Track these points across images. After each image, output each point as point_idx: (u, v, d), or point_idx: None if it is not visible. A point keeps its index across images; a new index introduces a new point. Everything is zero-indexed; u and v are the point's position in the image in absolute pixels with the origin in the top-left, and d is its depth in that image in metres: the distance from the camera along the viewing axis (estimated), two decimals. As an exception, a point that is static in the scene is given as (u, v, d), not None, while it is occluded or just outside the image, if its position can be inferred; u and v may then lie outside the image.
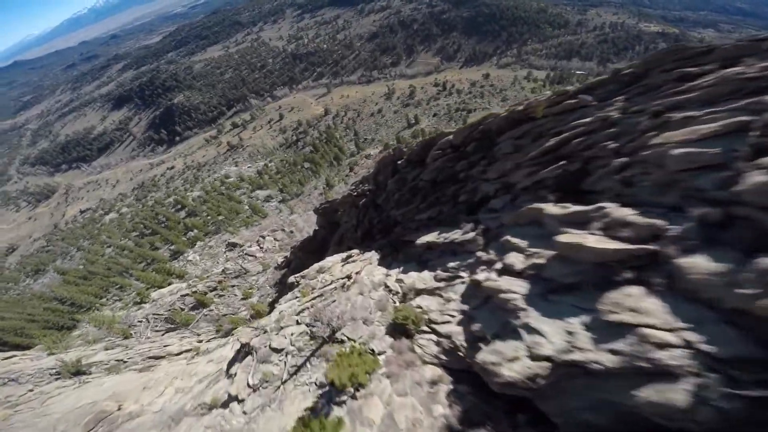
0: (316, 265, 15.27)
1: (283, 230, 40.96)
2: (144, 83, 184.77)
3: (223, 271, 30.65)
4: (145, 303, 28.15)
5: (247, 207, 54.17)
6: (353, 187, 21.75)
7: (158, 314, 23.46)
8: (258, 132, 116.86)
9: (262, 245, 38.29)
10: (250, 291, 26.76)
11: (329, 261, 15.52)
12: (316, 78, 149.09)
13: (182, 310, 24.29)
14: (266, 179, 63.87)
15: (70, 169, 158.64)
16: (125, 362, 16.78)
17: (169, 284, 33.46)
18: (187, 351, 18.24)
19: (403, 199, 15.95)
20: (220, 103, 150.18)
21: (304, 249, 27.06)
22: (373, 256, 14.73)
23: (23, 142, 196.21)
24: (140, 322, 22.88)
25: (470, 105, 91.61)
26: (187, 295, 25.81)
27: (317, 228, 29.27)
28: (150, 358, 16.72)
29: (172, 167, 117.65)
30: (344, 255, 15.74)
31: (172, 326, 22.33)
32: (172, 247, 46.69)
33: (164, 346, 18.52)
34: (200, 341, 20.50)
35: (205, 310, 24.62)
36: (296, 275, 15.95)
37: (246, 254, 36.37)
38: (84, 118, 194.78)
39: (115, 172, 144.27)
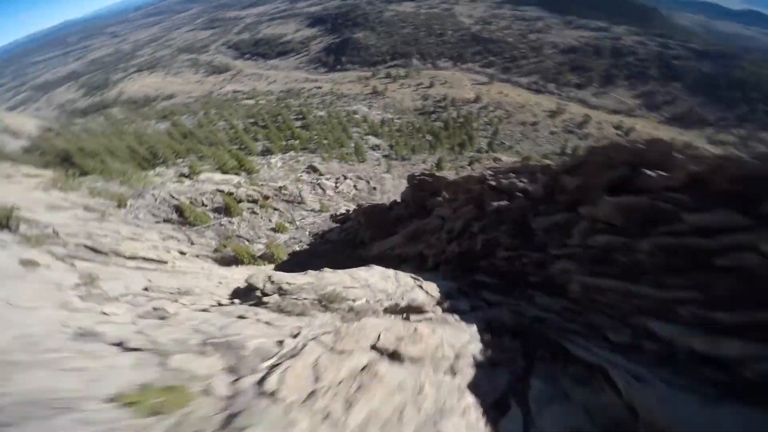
0: (341, 277, 7.42)
1: (368, 182, 33.80)
2: (340, 13, 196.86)
3: (280, 188, 24.98)
4: (188, 179, 24.17)
5: (353, 144, 48.91)
6: (492, 173, 12.09)
7: (175, 198, 18.53)
8: (403, 89, 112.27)
9: (339, 184, 31.83)
10: (285, 226, 20.23)
11: (369, 277, 7.63)
12: (484, 65, 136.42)
13: (203, 205, 19.01)
14: (384, 130, 57.77)
15: (249, 59, 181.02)
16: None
17: (230, 173, 29.60)
18: (151, 260, 11.99)
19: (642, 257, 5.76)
20: (387, 52, 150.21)
21: (369, 216, 18.95)
22: (454, 313, 5.92)
23: (233, 30, 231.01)
24: (152, 196, 18.26)
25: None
26: (222, 192, 20.53)
27: (398, 201, 20.80)
28: (89, 248, 10.73)
29: (320, 87, 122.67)
30: (396, 276, 7.67)
31: (174, 219, 17.04)
32: (268, 144, 44.19)
33: (131, 239, 12.73)
34: (182, 253, 14.40)
35: (225, 218, 18.96)
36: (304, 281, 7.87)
37: (318, 184, 30.35)
38: (285, 25, 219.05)
39: (278, 73, 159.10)
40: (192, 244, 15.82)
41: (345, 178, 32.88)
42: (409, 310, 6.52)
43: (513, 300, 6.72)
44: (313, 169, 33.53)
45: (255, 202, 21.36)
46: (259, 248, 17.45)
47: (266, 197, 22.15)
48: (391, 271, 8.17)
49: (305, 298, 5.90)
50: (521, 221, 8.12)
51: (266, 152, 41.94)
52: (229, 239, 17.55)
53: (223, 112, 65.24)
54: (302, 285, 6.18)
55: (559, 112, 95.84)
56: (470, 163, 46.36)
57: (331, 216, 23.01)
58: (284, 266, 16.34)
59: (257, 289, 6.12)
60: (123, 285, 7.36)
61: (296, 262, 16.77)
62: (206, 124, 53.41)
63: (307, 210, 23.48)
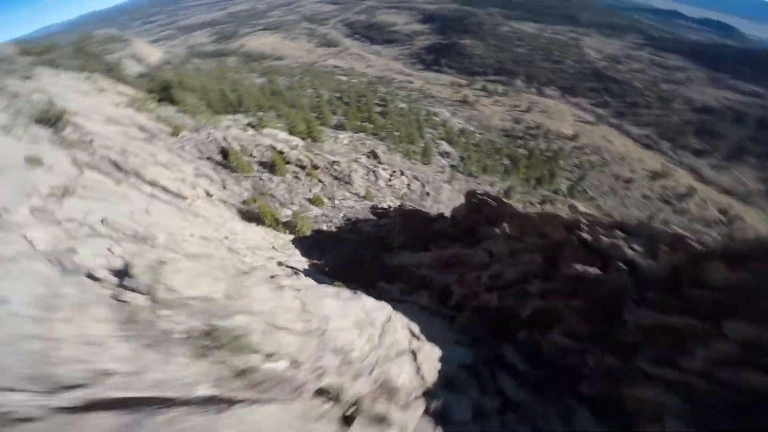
0: (283, 302, 4.62)
1: (423, 185, 31.63)
2: (454, 17, 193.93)
3: (332, 162, 24.09)
4: (253, 129, 24.32)
5: (422, 144, 46.97)
6: (587, 222, 8.81)
7: (227, 141, 18.38)
8: (495, 106, 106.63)
9: (393, 178, 30.20)
10: (323, 200, 19.14)
11: (334, 316, 4.77)
12: (596, 104, 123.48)
13: (251, 156, 18.66)
14: (460, 140, 54.69)
15: (358, 40, 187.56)
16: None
17: (296, 136, 29.61)
18: (170, 191, 11.47)
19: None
20: (491, 65, 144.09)
21: (408, 220, 16.94)
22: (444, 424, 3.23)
23: (354, 9, 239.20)
24: (208, 134, 18.25)
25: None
26: (274, 149, 20.06)
27: (446, 215, 18.46)
28: (113, 162, 10.35)
29: (411, 82, 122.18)
30: (385, 327, 4.90)
31: (218, 160, 16.77)
32: (344, 120, 44.21)
33: (163, 165, 12.37)
34: (209, 194, 13.90)
35: (267, 174, 18.41)
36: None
37: (373, 171, 29.07)
38: (398, 15, 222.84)
39: (378, 59, 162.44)
40: (224, 188, 15.38)
41: (402, 173, 31.09)
42: (373, 400, 3.85)
43: (542, 406, 4.32)
44: (374, 155, 32.31)
45: (303, 167, 20.64)
46: (287, 214, 16.56)
47: (315, 167, 21.33)
48: (379, 315, 5.29)
49: (182, 324, 3.50)
50: (610, 304, 5.29)
51: (339, 127, 41.95)
52: (263, 195, 16.92)
53: (315, 81, 67.68)
54: (197, 296, 3.78)
55: (662, 176, 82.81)
56: (542, 202, 41.45)
57: (372, 207, 21.45)
58: (302, 242, 15.19)
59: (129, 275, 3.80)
60: (89, 209, 6.47)
61: (315, 242, 15.53)
62: (297, 88, 55.55)
63: (351, 192, 22.25)
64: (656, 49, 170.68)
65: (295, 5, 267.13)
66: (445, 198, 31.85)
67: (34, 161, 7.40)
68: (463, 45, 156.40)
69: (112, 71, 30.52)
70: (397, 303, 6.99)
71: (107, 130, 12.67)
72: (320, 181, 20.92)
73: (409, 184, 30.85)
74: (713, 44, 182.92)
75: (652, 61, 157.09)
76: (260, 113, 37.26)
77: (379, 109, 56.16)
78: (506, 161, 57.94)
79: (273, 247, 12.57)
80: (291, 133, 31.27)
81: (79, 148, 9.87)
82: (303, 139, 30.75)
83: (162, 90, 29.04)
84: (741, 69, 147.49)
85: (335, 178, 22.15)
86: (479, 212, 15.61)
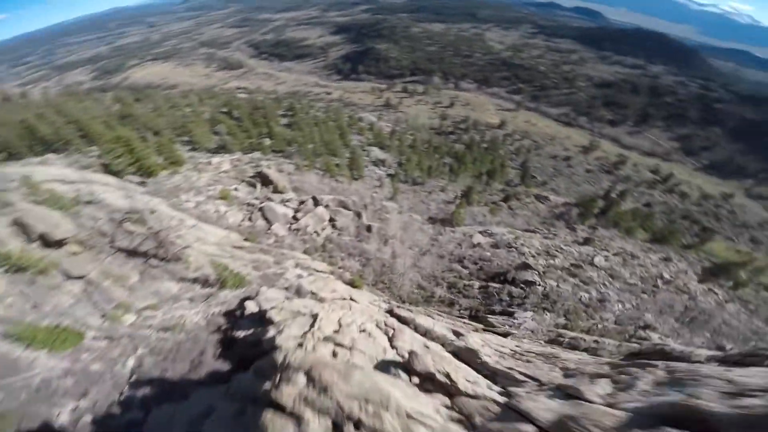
0: None
1: (358, 215, 20.39)
2: (367, 24, 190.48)
3: (124, 219, 11.82)
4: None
5: (348, 154, 36.02)
6: None
7: None
8: (419, 106, 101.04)
9: (300, 214, 18.52)
10: (75, 332, 6.98)
11: None
12: (511, 91, 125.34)
13: None
14: (393, 143, 45.12)
15: (265, 59, 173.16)
16: None
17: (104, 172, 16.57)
18: None
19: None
20: (407, 67, 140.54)
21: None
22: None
23: (260, 30, 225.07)
24: None
25: (701, 220, 57.97)
26: None
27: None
28: None
29: (329, 93, 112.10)
30: None
31: None
32: (229, 138, 31.14)
33: None
34: None
35: None
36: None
37: (260, 209, 17.09)
38: (310, 30, 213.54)
39: (290, 75, 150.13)
40: None
41: (316, 203, 19.60)
42: None
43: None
44: (264, 180, 20.22)
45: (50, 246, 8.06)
46: None
47: (59, 242, 8.82)
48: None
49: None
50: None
51: (221, 149, 29.16)
52: None
53: (202, 102, 53.02)
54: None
55: (592, 149, 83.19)
56: (506, 199, 32.97)
57: (241, 302, 9.59)
58: None
59: None
60: None
61: None
62: (167, 109, 41.04)
63: (180, 279, 10.11)
64: (547, 36, 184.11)
65: (194, 33, 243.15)
66: (396, 227, 20.93)
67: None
68: (378, 50, 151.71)
69: None
70: None
71: None
72: (71, 276, 8.45)
73: (332, 220, 19.33)
74: (593, 27, 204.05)
75: (548, 47, 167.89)
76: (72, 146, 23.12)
77: (285, 120, 44.10)
78: (448, 159, 49.72)
79: None
80: (109, 169, 17.98)
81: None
82: (119, 175, 17.65)
83: None
84: (619, 47, 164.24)
85: (133, 254, 9.82)
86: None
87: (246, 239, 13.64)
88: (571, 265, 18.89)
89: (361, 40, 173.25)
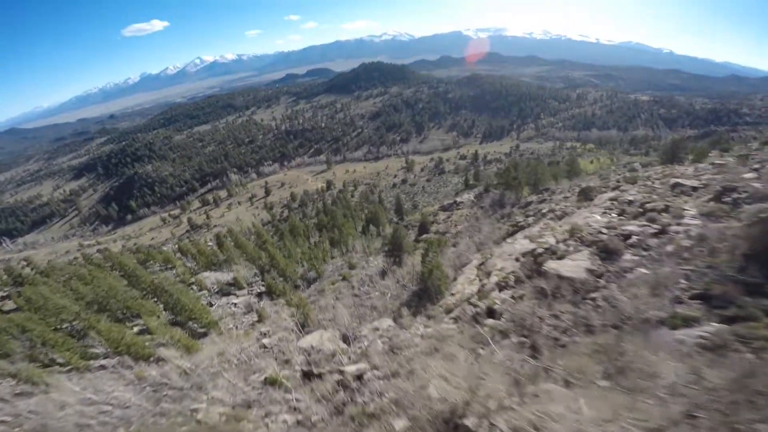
0: None
1: None
2: (114, 152, 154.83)
3: None
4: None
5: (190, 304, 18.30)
6: None
7: None
8: (234, 209, 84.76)
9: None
10: None
11: None
12: (312, 154, 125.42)
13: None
14: (231, 246, 29.19)
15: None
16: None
17: None
18: None
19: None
20: (193, 177, 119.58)
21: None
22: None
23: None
24: None
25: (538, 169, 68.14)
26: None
27: None
28: None
29: (106, 249, 79.28)
30: None
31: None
32: None
33: None
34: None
35: None
36: None
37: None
38: (38, 187, 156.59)
39: (38, 252, 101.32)
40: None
41: None
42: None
43: None
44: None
45: None
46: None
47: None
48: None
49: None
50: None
51: None
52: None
53: None
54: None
55: (410, 166, 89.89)
56: (420, 239, 23.98)
57: None
58: None
59: None
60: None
61: None
62: None
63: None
64: (307, 98, 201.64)
65: None
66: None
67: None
68: (145, 173, 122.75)
69: None
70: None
71: None
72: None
73: None
74: (334, 78, 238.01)
75: (313, 107, 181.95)
76: None
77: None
78: (317, 234, 37.76)
79: None
80: None
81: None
82: None
83: None
84: (359, 83, 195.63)
85: None
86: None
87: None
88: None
89: (116, 172, 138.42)
